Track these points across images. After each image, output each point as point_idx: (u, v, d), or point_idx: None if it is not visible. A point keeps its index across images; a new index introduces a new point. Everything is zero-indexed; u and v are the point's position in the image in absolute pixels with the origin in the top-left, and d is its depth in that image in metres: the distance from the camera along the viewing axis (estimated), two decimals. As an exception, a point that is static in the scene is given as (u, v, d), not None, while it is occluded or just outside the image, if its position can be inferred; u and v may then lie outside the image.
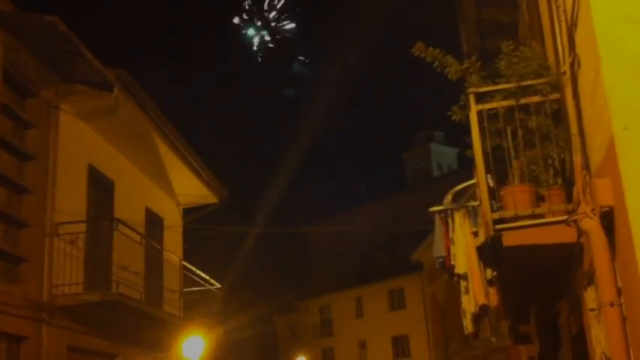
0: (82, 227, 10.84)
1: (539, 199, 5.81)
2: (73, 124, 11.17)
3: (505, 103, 6.06)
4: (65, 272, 10.28)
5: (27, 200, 10.08)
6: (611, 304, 4.37)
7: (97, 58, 10.33)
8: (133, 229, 11.69)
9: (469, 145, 6.46)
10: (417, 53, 6.74)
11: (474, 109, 6.10)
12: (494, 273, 8.10)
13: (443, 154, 64.73)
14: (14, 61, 9.75)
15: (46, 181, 10.34)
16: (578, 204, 4.94)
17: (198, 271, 15.21)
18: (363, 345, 44.96)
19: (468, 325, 9.08)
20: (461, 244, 8.59)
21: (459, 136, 6.92)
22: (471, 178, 8.49)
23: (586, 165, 4.95)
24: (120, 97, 10.92)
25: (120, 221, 11.34)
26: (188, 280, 15.18)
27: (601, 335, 4.97)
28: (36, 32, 9.73)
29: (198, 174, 15.03)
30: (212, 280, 15.75)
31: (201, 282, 15.38)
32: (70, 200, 10.86)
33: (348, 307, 45.93)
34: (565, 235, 5.35)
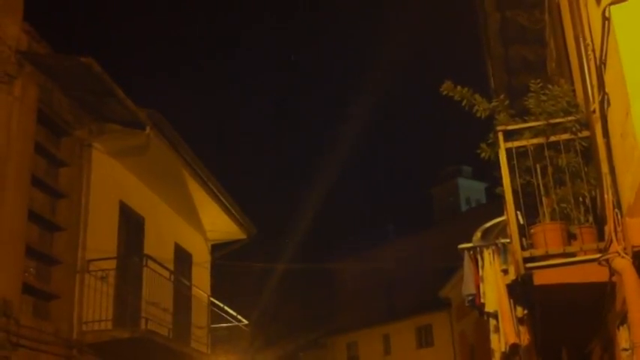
0: (113, 264, 10.94)
1: (570, 237, 5.78)
2: (106, 161, 11.36)
3: (534, 140, 6.07)
4: (95, 309, 10.36)
5: (59, 237, 10.23)
6: (645, 345, 4.31)
7: (128, 96, 10.52)
8: (162, 266, 11.77)
9: (497, 180, 6.47)
10: (445, 92, 6.79)
11: (502, 147, 6.12)
12: (525, 311, 8.01)
13: (471, 189, 64.36)
14: (49, 101, 9.98)
15: (78, 218, 10.49)
16: (610, 243, 4.91)
17: (225, 307, 15.23)
18: (391, 382, 44.37)
19: (498, 364, 8.95)
20: (491, 281, 8.51)
21: (487, 170, 6.94)
22: (500, 212, 8.45)
23: (617, 204, 4.93)
24: (151, 136, 11.09)
25: (150, 257, 11.44)
26: (215, 316, 15.20)
27: (635, 376, 4.89)
28: (71, 73, 9.96)
29: (227, 210, 15.14)
30: (239, 317, 15.75)
31: (229, 318, 15.38)
32: (101, 237, 10.99)
33: (375, 344, 45.43)
34: (597, 274, 5.31)
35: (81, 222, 10.53)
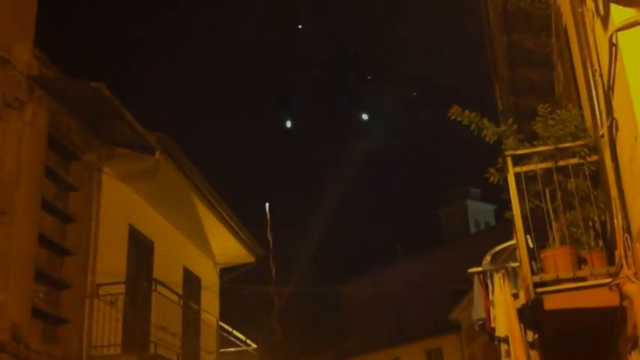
0: (122, 288, 10.94)
1: (581, 262, 5.77)
2: (115, 186, 11.40)
3: (543, 165, 6.08)
4: (104, 333, 10.34)
5: (68, 261, 10.25)
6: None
7: (138, 119, 10.59)
8: (171, 290, 11.76)
9: (506, 202, 6.46)
10: (453, 117, 6.81)
11: (511, 171, 6.13)
12: (536, 336, 7.96)
13: (480, 211, 64.16)
14: (59, 126, 10.06)
15: (87, 242, 10.51)
16: (620, 267, 4.89)
17: (234, 332, 15.18)
18: (401, 407, 43.94)
19: (509, 389, 8.87)
20: (501, 306, 8.47)
21: (495, 192, 6.93)
22: (509, 234, 8.42)
23: (627, 228, 4.92)
24: (160, 160, 11.14)
25: (159, 282, 11.44)
26: (224, 340, 15.15)
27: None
28: (81, 97, 10.05)
29: (235, 234, 15.14)
30: (248, 341, 15.69)
31: (238, 342, 15.33)
32: (111, 261, 11.00)
33: (385, 367, 45.07)
34: (607, 299, 5.29)
35: (90, 246, 10.55)
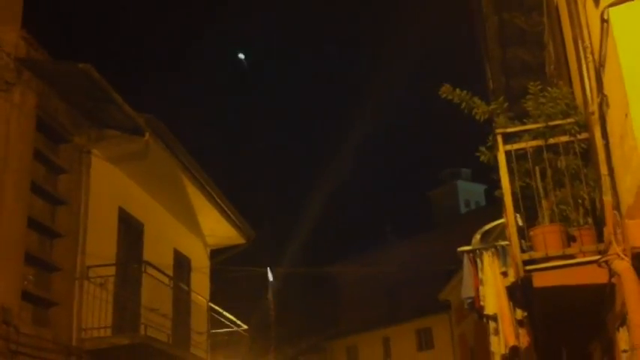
0: (112, 270, 10.92)
1: (570, 239, 5.79)
2: (104, 168, 11.35)
3: (533, 143, 6.08)
4: (94, 315, 10.34)
5: (58, 244, 10.21)
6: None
7: (127, 101, 10.51)
8: (161, 272, 11.75)
9: (497, 182, 6.47)
10: (444, 95, 6.80)
11: (501, 149, 6.12)
12: (525, 313, 8.01)
13: (470, 191, 64.36)
14: (47, 108, 9.97)
15: (77, 224, 10.47)
16: (610, 244, 4.92)
17: (225, 313, 15.20)
18: (391, 386, 44.33)
19: (498, 366, 8.94)
20: (490, 284, 8.51)
21: (486, 172, 6.94)
22: (499, 214, 8.45)
23: (617, 205, 4.94)
24: (150, 142, 11.09)
25: (149, 264, 11.42)
26: (215, 321, 15.17)
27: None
28: (69, 79, 9.96)
29: (226, 215, 15.12)
30: (239, 322, 15.73)
31: (228, 323, 15.36)
32: (101, 243, 10.98)
33: (375, 347, 45.40)
34: (596, 276, 5.32)
35: (80, 228, 10.51)
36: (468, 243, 9.65)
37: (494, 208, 9.98)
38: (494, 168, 6.45)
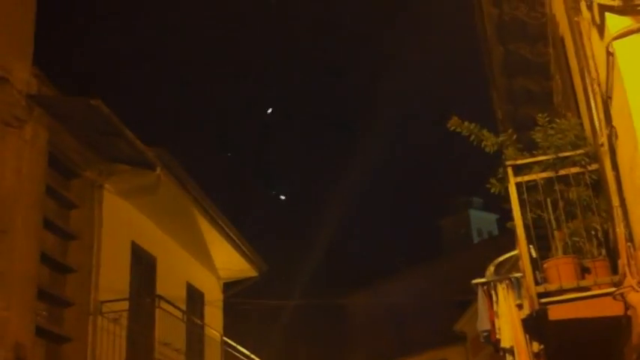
0: (125, 305, 10.91)
1: (584, 271, 5.74)
2: (116, 202, 11.39)
3: (544, 174, 6.07)
4: (108, 351, 10.31)
5: (71, 279, 10.22)
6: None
7: (137, 135, 10.58)
8: (174, 306, 11.73)
9: (509, 212, 6.45)
10: (452, 128, 6.81)
11: (512, 181, 6.11)
12: (541, 346, 7.92)
13: (482, 220, 64.05)
14: (58, 144, 10.05)
15: (90, 259, 10.49)
16: (624, 276, 4.87)
17: (238, 347, 15.12)
18: (405, 421, 43.64)
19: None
20: (506, 317, 8.42)
21: (498, 201, 6.91)
22: (512, 243, 8.40)
23: (630, 237, 4.90)
24: (161, 176, 11.14)
25: (162, 298, 11.40)
26: (229, 355, 15.08)
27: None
28: (80, 115, 10.05)
29: (238, 248, 15.10)
30: (252, 356, 15.63)
31: (242, 358, 15.26)
32: (114, 278, 10.97)
33: (389, 380, 44.82)
34: (612, 308, 5.26)
35: (93, 263, 10.52)
36: (481, 273, 9.57)
37: (507, 237, 9.92)
38: (506, 198, 6.43)
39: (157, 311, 11.27)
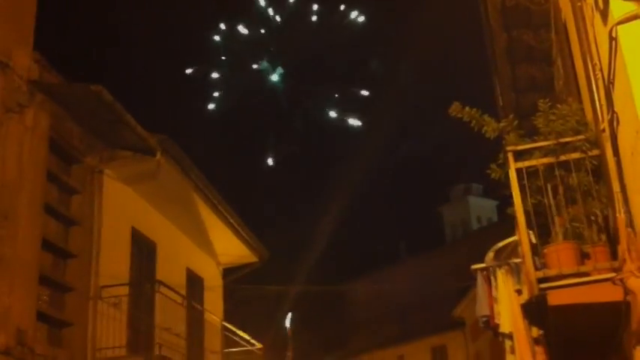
0: (125, 290, 10.95)
1: (584, 257, 5.76)
2: (117, 188, 11.41)
3: (544, 160, 6.07)
4: (108, 335, 10.35)
5: (72, 265, 10.26)
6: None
7: (138, 121, 10.58)
8: (174, 291, 11.78)
9: (508, 198, 6.46)
10: (453, 114, 6.81)
11: (512, 167, 6.12)
12: (540, 332, 7.95)
13: (482, 207, 64.10)
14: (60, 130, 10.06)
15: (90, 245, 10.53)
16: (624, 262, 4.89)
17: (238, 332, 15.19)
18: (406, 405, 43.94)
19: (514, 384, 8.85)
20: (505, 302, 8.45)
21: (497, 187, 6.92)
22: (512, 230, 8.41)
23: (630, 222, 4.91)
24: (162, 161, 11.15)
25: (162, 283, 11.45)
26: (229, 340, 15.16)
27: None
28: (81, 101, 10.06)
29: (238, 234, 15.15)
30: (253, 341, 15.70)
31: (243, 342, 15.33)
32: (114, 263, 11.01)
33: (390, 365, 45.05)
34: (611, 294, 5.28)
35: (93, 249, 10.56)
36: (481, 259, 9.59)
37: (507, 223, 9.93)
38: (506, 184, 6.44)
39: (157, 296, 11.31)
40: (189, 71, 51.86)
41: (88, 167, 10.82)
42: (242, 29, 52.18)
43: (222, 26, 52.10)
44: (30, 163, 9.23)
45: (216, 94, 53.07)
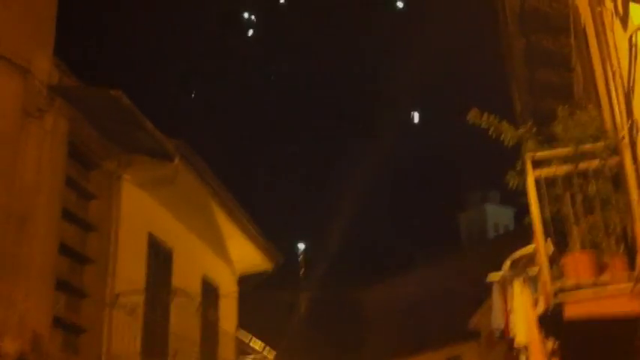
0: (141, 297, 10.94)
1: (602, 267, 5.69)
2: (134, 193, 11.42)
3: (564, 168, 6.00)
4: (124, 342, 10.35)
5: (89, 270, 10.27)
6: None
7: (156, 126, 10.60)
8: (190, 298, 11.78)
9: (526, 206, 6.38)
10: (472, 120, 6.76)
11: (531, 175, 6.06)
12: (556, 343, 7.85)
13: (499, 215, 63.66)
14: (78, 134, 10.10)
15: (107, 250, 10.53)
16: (643, 272, 4.82)
17: (251, 340, 15.17)
18: (421, 415, 43.60)
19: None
20: (520, 313, 8.36)
21: (515, 195, 6.85)
22: (529, 239, 8.33)
23: (648, 232, 4.85)
24: (179, 167, 11.16)
25: (178, 290, 11.45)
26: (243, 347, 15.14)
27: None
28: (100, 106, 10.10)
29: (255, 241, 15.12)
30: (267, 348, 15.67)
31: (257, 349, 15.31)
32: (130, 269, 11.01)
33: (404, 374, 44.72)
34: (629, 306, 5.23)
35: (110, 254, 10.57)
36: (497, 268, 9.51)
37: (524, 232, 9.85)
38: (524, 192, 6.38)
39: (172, 303, 11.31)
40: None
41: (107, 172, 10.85)
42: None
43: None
44: (49, 167, 9.28)
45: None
